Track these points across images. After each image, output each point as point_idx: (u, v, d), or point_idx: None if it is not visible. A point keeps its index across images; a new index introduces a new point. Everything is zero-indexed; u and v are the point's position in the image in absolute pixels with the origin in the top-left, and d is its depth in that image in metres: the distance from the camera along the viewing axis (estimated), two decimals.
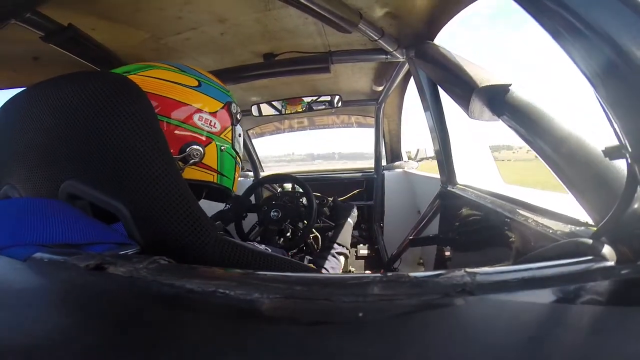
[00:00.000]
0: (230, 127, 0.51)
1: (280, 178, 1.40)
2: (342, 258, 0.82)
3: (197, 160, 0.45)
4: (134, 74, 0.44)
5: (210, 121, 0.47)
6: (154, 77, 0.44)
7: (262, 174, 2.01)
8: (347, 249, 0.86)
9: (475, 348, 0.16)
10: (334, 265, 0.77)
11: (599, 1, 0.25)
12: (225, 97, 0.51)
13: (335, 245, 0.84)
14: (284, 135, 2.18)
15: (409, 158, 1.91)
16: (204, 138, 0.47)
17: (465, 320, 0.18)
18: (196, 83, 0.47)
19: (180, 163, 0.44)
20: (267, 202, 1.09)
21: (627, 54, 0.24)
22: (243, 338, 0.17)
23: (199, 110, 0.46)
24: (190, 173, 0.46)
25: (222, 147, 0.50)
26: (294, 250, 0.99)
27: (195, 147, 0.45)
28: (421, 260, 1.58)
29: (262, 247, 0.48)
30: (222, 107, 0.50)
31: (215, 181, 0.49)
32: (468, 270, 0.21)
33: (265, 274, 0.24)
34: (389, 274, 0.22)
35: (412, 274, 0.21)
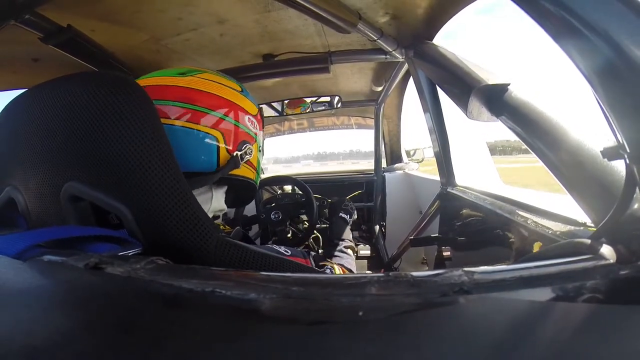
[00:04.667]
0: (262, 130, 0.56)
1: (280, 180, 1.40)
2: (350, 251, 0.83)
3: (249, 157, 0.50)
4: (191, 75, 0.46)
5: (254, 122, 0.51)
6: (209, 80, 0.47)
7: (262, 176, 2.01)
8: (350, 240, 0.87)
9: (474, 347, 0.16)
10: (349, 261, 0.78)
11: (598, 1, 0.26)
12: (256, 102, 0.54)
13: (340, 242, 0.85)
14: (283, 138, 2.19)
15: (409, 157, 1.91)
16: (252, 138, 0.51)
17: (463, 319, 0.18)
18: (239, 88, 0.51)
19: (239, 159, 0.48)
20: (266, 204, 1.09)
21: (626, 54, 0.24)
22: (242, 338, 0.17)
23: (248, 112, 0.50)
24: (242, 170, 0.49)
25: (260, 148, 0.54)
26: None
27: (248, 145, 0.49)
28: (425, 260, 1.58)
29: (282, 248, 0.48)
30: (258, 111, 0.54)
31: (254, 178, 0.53)
32: (466, 269, 0.21)
33: (263, 274, 0.24)
34: (390, 273, 0.22)
35: (410, 274, 0.21)
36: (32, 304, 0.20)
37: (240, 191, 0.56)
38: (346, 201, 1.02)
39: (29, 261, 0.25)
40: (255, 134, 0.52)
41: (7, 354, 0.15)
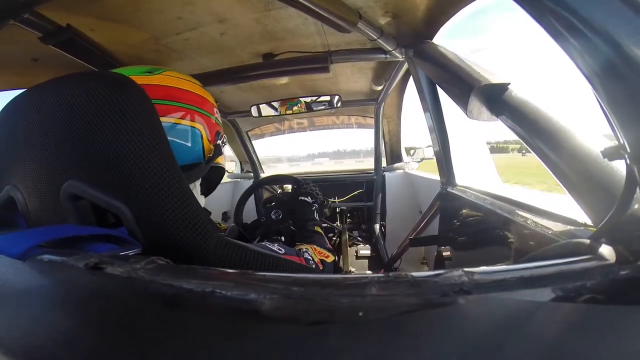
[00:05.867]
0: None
1: (280, 179, 1.40)
2: (319, 230, 0.79)
3: (224, 146, 0.54)
4: (158, 73, 0.47)
5: (218, 114, 0.55)
6: (176, 77, 0.49)
7: (262, 175, 2.02)
8: (317, 220, 0.83)
9: (474, 347, 0.16)
10: (319, 238, 0.74)
11: (598, 0, 0.26)
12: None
13: (306, 223, 0.81)
14: (285, 137, 2.18)
15: (408, 155, 1.90)
16: (221, 127, 0.54)
17: (463, 319, 0.18)
18: (200, 83, 0.53)
19: (220, 147, 0.52)
20: (266, 203, 1.09)
21: (627, 54, 0.24)
22: (242, 338, 0.17)
23: (214, 105, 0.54)
24: (220, 158, 0.53)
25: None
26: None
27: (221, 134, 0.53)
28: (425, 260, 1.58)
29: (276, 246, 0.48)
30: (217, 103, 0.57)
31: (224, 164, 0.57)
32: (466, 269, 0.21)
33: (263, 274, 0.24)
34: (390, 274, 0.22)
35: (410, 274, 0.21)
36: (32, 304, 0.20)
37: (212, 179, 0.59)
38: (305, 184, 0.91)
39: (29, 261, 0.25)
40: (220, 123, 0.55)
41: (7, 354, 0.15)
